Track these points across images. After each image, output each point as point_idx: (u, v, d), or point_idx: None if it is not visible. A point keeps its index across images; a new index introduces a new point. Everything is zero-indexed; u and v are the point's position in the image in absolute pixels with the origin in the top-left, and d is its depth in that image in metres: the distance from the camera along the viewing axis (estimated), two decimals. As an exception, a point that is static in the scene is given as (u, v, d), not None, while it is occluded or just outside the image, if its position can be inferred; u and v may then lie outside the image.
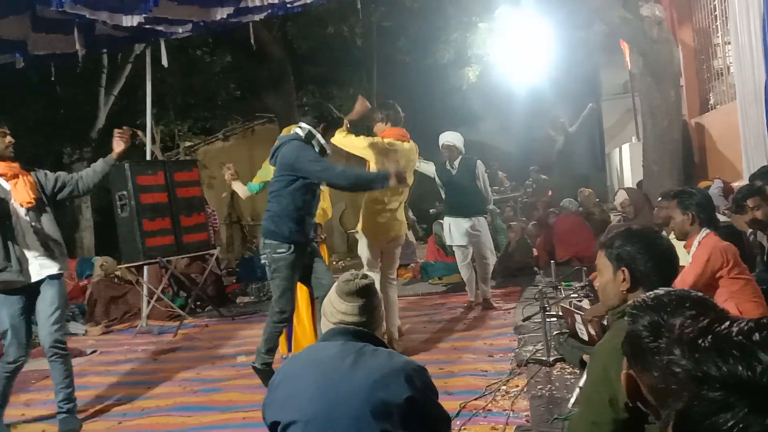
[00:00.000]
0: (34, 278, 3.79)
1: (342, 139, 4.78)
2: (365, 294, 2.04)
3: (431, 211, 10.17)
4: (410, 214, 10.67)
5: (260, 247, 4.25)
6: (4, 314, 3.74)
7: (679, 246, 3.87)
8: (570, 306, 4.21)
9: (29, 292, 3.80)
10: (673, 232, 3.52)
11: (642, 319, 1.12)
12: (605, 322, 3.53)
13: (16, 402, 4.61)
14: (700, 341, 0.92)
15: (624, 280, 2.03)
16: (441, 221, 8.11)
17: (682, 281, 3.25)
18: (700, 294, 1.16)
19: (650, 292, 1.18)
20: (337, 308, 2.06)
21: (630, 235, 2.07)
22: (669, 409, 0.96)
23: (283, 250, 4.06)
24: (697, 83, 8.51)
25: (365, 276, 2.11)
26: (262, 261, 4.22)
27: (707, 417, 0.84)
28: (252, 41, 6.65)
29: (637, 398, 1.12)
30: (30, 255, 3.77)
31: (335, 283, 2.14)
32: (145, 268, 6.78)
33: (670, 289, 1.17)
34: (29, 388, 4.93)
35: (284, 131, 4.54)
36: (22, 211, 3.77)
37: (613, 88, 13.35)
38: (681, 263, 3.70)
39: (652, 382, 1.05)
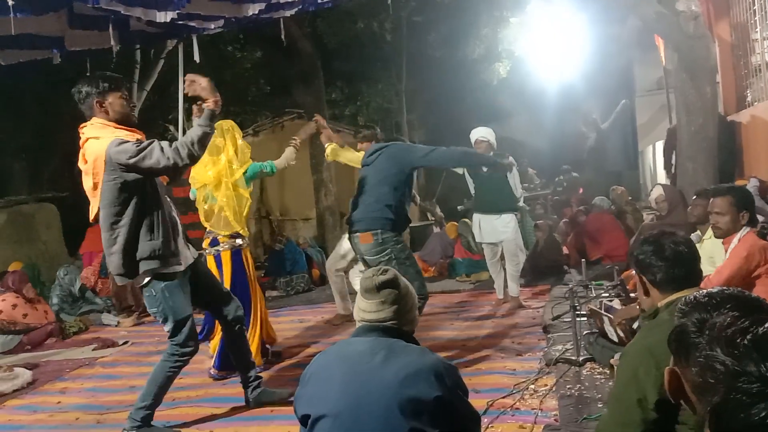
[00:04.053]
0: (192, 257, 3.61)
1: (344, 153, 5.32)
2: (384, 289, 2.03)
3: (459, 207, 10.12)
4: (438, 210, 10.65)
5: (370, 243, 4.22)
6: (181, 302, 3.47)
7: (715, 243, 3.80)
8: (600, 307, 4.16)
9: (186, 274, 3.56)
10: (713, 228, 3.47)
11: (691, 315, 1.13)
12: (634, 326, 3.49)
13: (51, 389, 4.74)
14: (739, 339, 0.99)
15: (643, 285, 2.08)
16: (466, 220, 8.08)
17: (718, 277, 3.21)
18: (751, 295, 1.16)
19: (703, 290, 1.19)
20: (358, 305, 2.06)
21: (644, 241, 2.15)
22: (706, 404, 0.97)
23: (401, 238, 4.32)
24: (733, 79, 8.31)
25: (385, 271, 2.10)
26: (382, 255, 4.18)
27: (744, 408, 0.90)
28: (282, 37, 6.69)
29: (679, 395, 1.12)
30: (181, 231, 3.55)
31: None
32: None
33: (723, 288, 1.18)
34: (64, 377, 5.05)
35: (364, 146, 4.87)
36: (159, 184, 3.49)
37: (647, 84, 13.10)
38: (718, 263, 3.65)
39: (694, 380, 1.06)
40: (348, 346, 2.03)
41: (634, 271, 2.18)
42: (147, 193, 3.36)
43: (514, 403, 3.50)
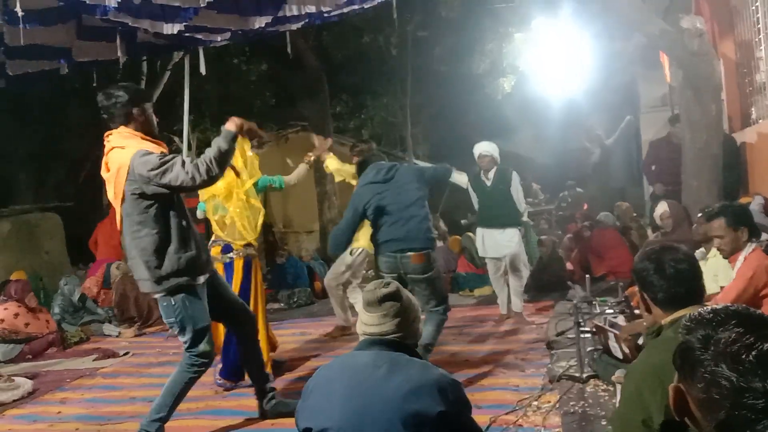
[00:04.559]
0: (212, 267, 3.64)
1: (339, 166, 5.67)
2: (386, 302, 2.02)
3: (463, 222, 10.11)
4: (441, 224, 10.63)
5: (423, 263, 4.22)
6: (201, 311, 3.46)
7: (719, 261, 3.79)
8: (605, 323, 4.13)
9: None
10: (716, 249, 3.45)
11: (695, 331, 1.12)
12: (640, 341, 3.46)
13: (52, 400, 4.72)
14: (744, 355, 1.00)
15: (644, 302, 2.07)
16: (470, 234, 8.07)
17: (725, 298, 3.18)
18: (756, 312, 1.16)
19: (707, 307, 1.18)
20: (361, 319, 2.06)
21: (645, 257, 2.12)
22: (712, 420, 0.97)
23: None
24: (738, 97, 8.32)
25: (387, 284, 2.08)
26: (429, 274, 4.22)
27: (749, 424, 0.90)
28: (288, 50, 6.72)
29: (683, 413, 1.11)
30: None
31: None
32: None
33: (728, 305, 1.17)
34: (64, 387, 5.04)
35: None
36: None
37: (651, 101, 13.10)
38: (724, 283, 3.63)
39: (699, 397, 1.05)
40: (351, 359, 2.02)
41: (636, 288, 2.16)
42: (174, 204, 3.38)
43: (517, 420, 3.48)
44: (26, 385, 4.86)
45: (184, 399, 3.59)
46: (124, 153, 3.27)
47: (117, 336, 6.86)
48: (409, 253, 4.20)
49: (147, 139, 3.38)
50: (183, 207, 3.45)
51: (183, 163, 3.23)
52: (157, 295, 3.43)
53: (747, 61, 8.16)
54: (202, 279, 3.46)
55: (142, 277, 3.41)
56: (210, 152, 3.28)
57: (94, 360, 5.83)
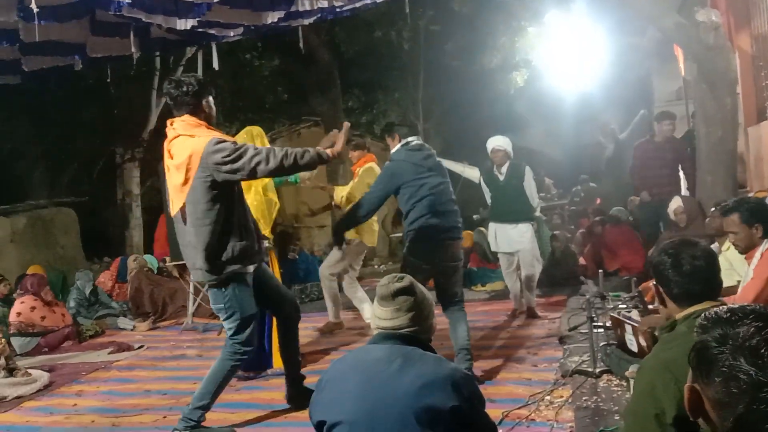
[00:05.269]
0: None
1: (345, 191, 5.78)
2: (400, 296, 2.03)
3: (475, 217, 10.09)
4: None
5: (459, 249, 4.33)
6: (249, 299, 3.54)
7: (734, 254, 3.76)
8: (620, 316, 4.12)
9: None
10: (733, 246, 3.42)
11: (712, 330, 1.10)
12: (657, 334, 3.45)
13: (68, 392, 4.77)
14: (763, 350, 0.99)
15: (659, 295, 2.05)
16: (482, 229, 8.04)
17: (744, 297, 3.16)
18: None
19: (723, 306, 1.17)
20: (374, 313, 2.06)
21: (663, 251, 2.09)
22: (729, 415, 0.96)
23: None
24: (754, 91, 8.22)
25: (401, 278, 2.09)
26: (461, 262, 4.34)
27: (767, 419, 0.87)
28: (300, 45, 6.73)
29: (698, 413, 1.10)
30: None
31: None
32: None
33: (745, 304, 1.16)
34: (80, 380, 5.09)
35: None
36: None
37: (666, 95, 12.99)
38: (737, 276, 3.61)
39: (715, 394, 1.04)
40: (364, 353, 2.02)
41: (651, 282, 2.15)
42: (235, 193, 3.47)
43: (530, 414, 3.48)
44: (43, 378, 4.92)
45: (190, 393, 3.64)
46: (196, 141, 3.36)
47: (132, 329, 6.93)
48: (454, 241, 4.25)
49: (212, 128, 3.49)
50: (243, 197, 3.57)
51: (255, 149, 3.34)
52: (208, 283, 3.50)
53: (763, 54, 8.06)
54: (251, 268, 3.54)
55: (196, 266, 3.47)
56: (297, 150, 3.39)
57: (109, 353, 5.89)
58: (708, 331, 1.12)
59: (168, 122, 3.51)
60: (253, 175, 3.37)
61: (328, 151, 3.51)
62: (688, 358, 1.14)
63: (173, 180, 3.41)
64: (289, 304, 3.94)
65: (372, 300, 5.67)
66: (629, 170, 7.85)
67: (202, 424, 3.54)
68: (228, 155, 3.28)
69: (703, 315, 1.19)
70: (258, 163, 3.29)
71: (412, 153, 4.29)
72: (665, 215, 6.54)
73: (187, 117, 3.45)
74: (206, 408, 3.55)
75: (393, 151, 4.40)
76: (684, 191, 7.29)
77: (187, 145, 3.36)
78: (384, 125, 4.73)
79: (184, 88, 3.43)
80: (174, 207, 3.45)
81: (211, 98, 3.53)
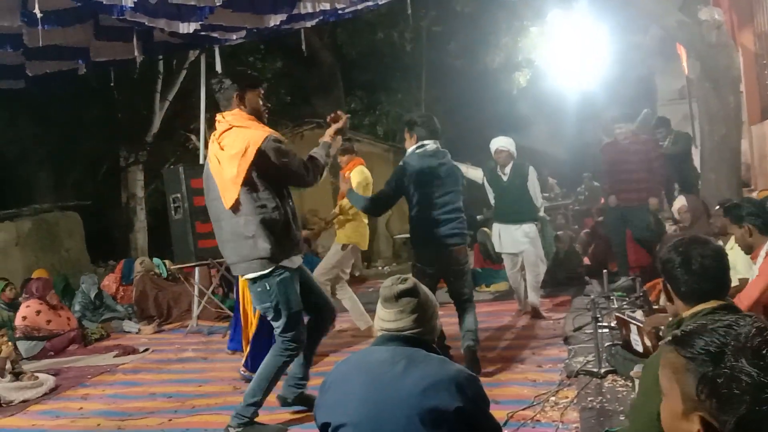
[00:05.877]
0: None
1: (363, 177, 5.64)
2: (403, 298, 2.03)
3: (478, 217, 10.08)
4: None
5: (463, 254, 4.42)
6: (295, 295, 3.55)
7: (738, 253, 3.75)
8: (625, 316, 4.11)
9: None
10: (737, 245, 3.44)
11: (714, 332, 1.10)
12: (662, 333, 3.44)
13: (73, 396, 4.79)
14: (764, 351, 1.00)
15: (667, 292, 2.05)
16: (486, 229, 8.03)
17: (748, 295, 3.15)
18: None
19: (723, 320, 1.14)
20: (378, 314, 2.06)
21: (673, 248, 2.09)
22: (732, 415, 0.96)
23: None
24: (757, 89, 8.21)
25: (405, 279, 2.09)
26: (466, 266, 4.45)
27: None
28: (303, 47, 6.74)
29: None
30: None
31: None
32: (197, 269, 6.93)
33: (745, 314, 1.16)
34: (86, 383, 5.11)
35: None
36: None
37: (669, 93, 12.98)
38: (743, 275, 3.60)
39: (719, 392, 1.03)
40: (368, 355, 2.02)
41: (658, 279, 2.15)
42: (285, 186, 3.55)
43: (535, 415, 3.47)
44: (49, 381, 4.94)
45: (197, 395, 3.63)
46: (252, 133, 3.40)
47: (137, 333, 6.94)
48: (454, 247, 4.31)
49: (262, 124, 3.55)
50: (290, 191, 3.63)
51: (301, 160, 3.47)
52: (252, 280, 3.50)
53: (767, 52, 8.04)
54: (297, 262, 3.57)
55: (244, 258, 3.47)
56: (318, 165, 3.56)
57: (114, 356, 5.91)
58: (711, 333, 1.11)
59: (218, 116, 3.56)
60: (292, 179, 3.52)
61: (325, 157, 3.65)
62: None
63: (225, 172, 3.41)
64: (326, 307, 3.90)
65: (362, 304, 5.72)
66: (598, 173, 7.66)
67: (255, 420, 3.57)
68: (283, 156, 3.40)
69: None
70: (300, 167, 3.46)
71: (424, 158, 4.30)
72: (634, 221, 6.48)
73: (236, 111, 3.51)
74: (259, 405, 3.56)
75: (408, 152, 4.42)
76: (677, 192, 7.27)
77: (244, 136, 3.39)
78: (406, 121, 4.68)
79: (225, 83, 3.52)
80: (228, 199, 3.41)
81: (255, 92, 3.57)
